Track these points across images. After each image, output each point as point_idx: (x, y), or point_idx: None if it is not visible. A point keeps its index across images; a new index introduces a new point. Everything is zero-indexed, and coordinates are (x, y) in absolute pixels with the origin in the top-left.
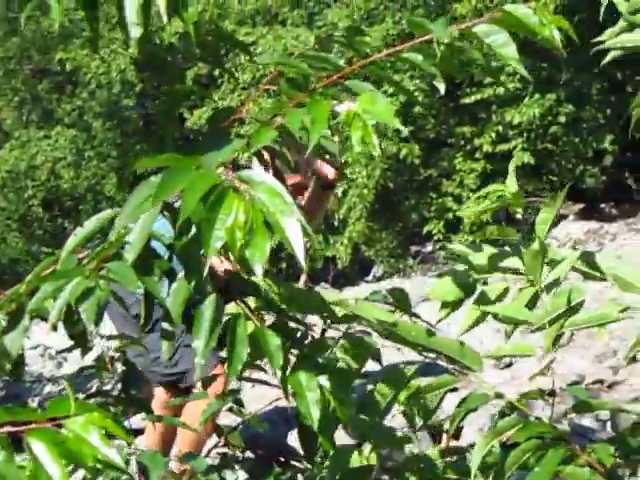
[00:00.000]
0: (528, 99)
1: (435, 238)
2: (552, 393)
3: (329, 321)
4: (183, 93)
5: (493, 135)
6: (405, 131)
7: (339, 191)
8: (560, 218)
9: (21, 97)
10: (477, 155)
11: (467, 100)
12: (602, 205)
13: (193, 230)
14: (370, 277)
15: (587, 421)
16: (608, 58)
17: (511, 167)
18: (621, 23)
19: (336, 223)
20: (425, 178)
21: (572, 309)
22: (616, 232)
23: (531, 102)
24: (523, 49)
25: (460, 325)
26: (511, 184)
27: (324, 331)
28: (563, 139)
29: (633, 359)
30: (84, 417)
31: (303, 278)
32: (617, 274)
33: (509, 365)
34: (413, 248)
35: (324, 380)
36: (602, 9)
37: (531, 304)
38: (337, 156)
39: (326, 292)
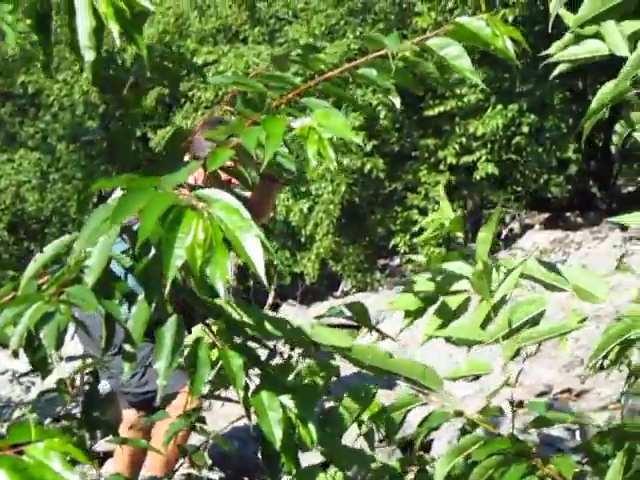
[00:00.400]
0: (491, 110)
1: (402, 251)
2: (519, 404)
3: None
4: (139, 117)
5: (457, 147)
6: (361, 143)
7: (305, 207)
8: (526, 228)
9: None
10: (441, 167)
11: (430, 112)
12: (568, 214)
13: (153, 251)
14: (338, 292)
15: (557, 430)
16: (557, 71)
17: (442, 192)
18: (568, 35)
19: (303, 239)
20: (390, 192)
21: (532, 320)
22: (581, 241)
23: (494, 113)
24: (484, 60)
25: (422, 336)
26: (446, 210)
27: (289, 356)
28: (527, 149)
29: (601, 367)
30: (45, 443)
31: (271, 295)
32: (577, 284)
33: (477, 377)
34: (380, 262)
35: (287, 399)
36: (550, 21)
37: (489, 319)
38: (294, 172)
39: (292, 309)
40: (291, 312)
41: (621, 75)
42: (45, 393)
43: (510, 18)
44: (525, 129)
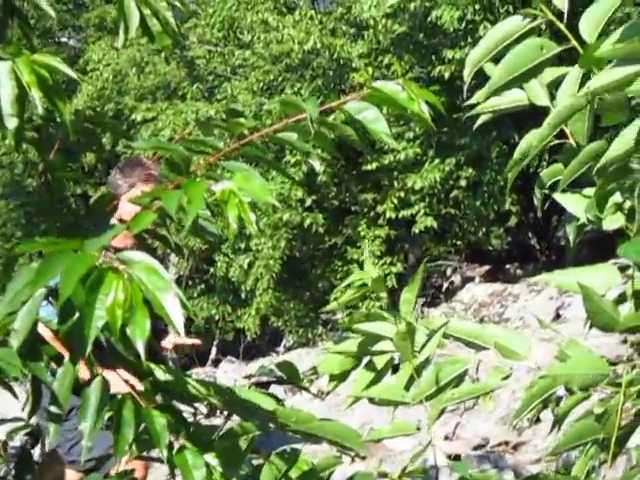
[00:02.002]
0: (428, 164)
1: (343, 306)
2: (457, 458)
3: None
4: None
5: (395, 201)
6: (277, 204)
7: (245, 263)
8: (467, 280)
9: None
10: (380, 221)
11: (369, 167)
12: (507, 266)
13: (77, 314)
14: (281, 347)
15: None
16: (480, 121)
17: (366, 252)
18: (489, 83)
19: (244, 295)
20: (330, 246)
21: (456, 380)
22: (518, 293)
23: (431, 167)
24: None
25: (348, 399)
26: (370, 270)
27: (211, 411)
28: (465, 202)
29: (537, 420)
30: None
31: (213, 351)
32: (499, 342)
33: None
34: (322, 317)
35: (211, 458)
36: (465, 87)
37: (412, 379)
38: (217, 235)
39: (231, 366)
40: (230, 368)
41: (545, 125)
42: None
43: (447, 74)
44: (463, 182)
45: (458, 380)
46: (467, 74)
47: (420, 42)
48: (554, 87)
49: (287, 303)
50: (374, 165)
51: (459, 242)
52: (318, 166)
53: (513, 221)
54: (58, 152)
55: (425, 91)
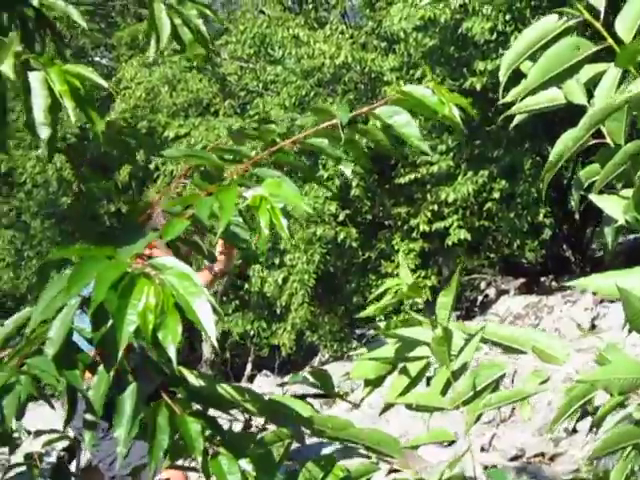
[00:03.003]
0: (461, 177)
1: (377, 319)
2: (493, 468)
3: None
4: (97, 192)
5: (429, 214)
6: (310, 210)
7: (280, 278)
8: (502, 293)
9: None
10: (414, 235)
11: (402, 180)
12: (542, 279)
13: (110, 321)
14: (315, 362)
15: None
16: (515, 121)
17: (401, 259)
18: (524, 84)
19: (278, 310)
20: (364, 260)
21: (493, 385)
22: (553, 305)
23: (464, 179)
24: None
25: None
26: (406, 277)
27: (247, 422)
28: (498, 215)
29: (573, 431)
30: None
31: (249, 367)
32: (537, 346)
33: (452, 443)
34: (357, 331)
35: (246, 464)
36: (500, 89)
37: (448, 384)
38: (248, 241)
39: (267, 380)
40: (265, 383)
41: (580, 126)
42: (12, 468)
43: (478, 86)
44: (496, 195)
45: (495, 385)
46: (503, 74)
47: (451, 55)
48: (592, 84)
49: (321, 318)
50: (407, 178)
51: (493, 255)
52: (350, 172)
53: (547, 234)
54: (90, 167)
55: (455, 95)
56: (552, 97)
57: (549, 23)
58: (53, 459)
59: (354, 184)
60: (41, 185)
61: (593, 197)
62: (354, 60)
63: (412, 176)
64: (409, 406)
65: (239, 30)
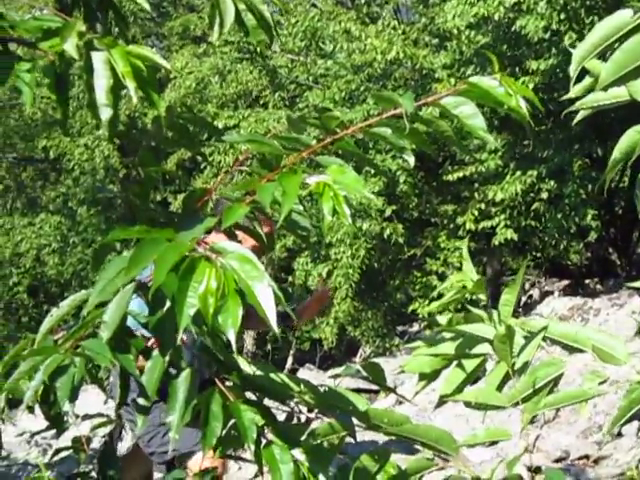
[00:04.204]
0: (510, 176)
1: (420, 317)
2: (537, 470)
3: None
4: (155, 175)
5: (476, 213)
6: (375, 200)
7: (324, 271)
8: (545, 294)
9: (5, 185)
10: (460, 233)
11: (450, 178)
12: (587, 281)
13: (167, 305)
14: (357, 358)
15: None
16: (579, 117)
17: (465, 252)
18: (588, 79)
19: None
20: (409, 257)
21: (551, 383)
22: (599, 307)
23: (513, 179)
24: (505, 126)
25: (439, 396)
26: (470, 272)
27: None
28: (546, 215)
29: (618, 434)
30: None
31: (290, 360)
32: (596, 345)
33: (494, 443)
34: (399, 328)
35: (299, 454)
36: (572, 83)
37: (504, 382)
38: (309, 230)
39: (310, 374)
40: (309, 377)
41: None
42: (60, 451)
43: (530, 86)
44: (544, 195)
45: (554, 384)
46: (573, 69)
47: (504, 53)
48: None
49: (364, 313)
50: (455, 176)
51: (538, 255)
52: (412, 162)
53: (593, 236)
54: (147, 150)
55: (523, 87)
56: (616, 94)
57: (623, 17)
58: (94, 445)
59: (401, 180)
60: (88, 172)
61: None
62: (405, 56)
63: (460, 174)
64: (467, 404)
65: (290, 23)
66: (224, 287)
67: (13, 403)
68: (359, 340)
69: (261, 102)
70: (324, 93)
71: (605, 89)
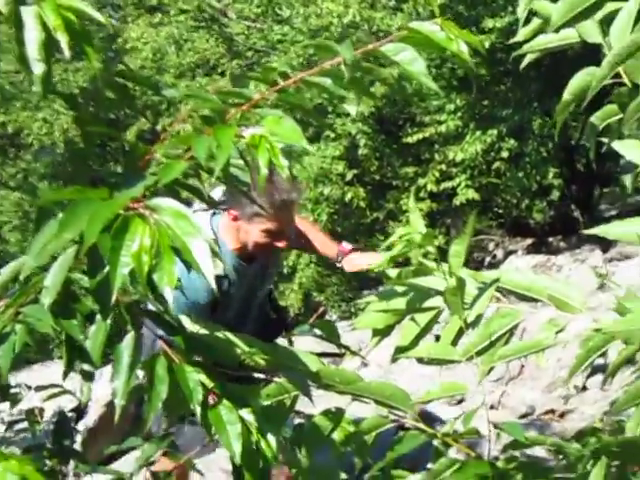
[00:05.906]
0: (470, 136)
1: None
2: (497, 427)
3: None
4: (95, 136)
5: (437, 174)
6: (311, 149)
7: None
8: (509, 254)
9: None
10: (422, 195)
11: (410, 140)
12: (550, 239)
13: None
14: None
15: (540, 452)
16: (526, 61)
17: (412, 203)
18: (536, 22)
19: (285, 271)
20: (372, 220)
21: (505, 335)
22: (562, 264)
23: (473, 139)
24: (463, 86)
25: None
26: (417, 224)
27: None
28: (507, 174)
29: (583, 388)
30: (2, 465)
31: None
32: (552, 294)
33: (460, 401)
34: (365, 292)
35: (247, 414)
36: (520, 24)
37: (458, 336)
38: (248, 184)
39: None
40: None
41: (603, 65)
42: (14, 423)
43: (487, 44)
44: (505, 154)
45: (509, 335)
46: (521, 11)
47: (460, 13)
48: (606, 24)
49: (329, 278)
50: (415, 138)
51: (501, 212)
52: (354, 111)
53: (555, 194)
54: (83, 108)
55: (465, 32)
56: (564, 36)
57: None
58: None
59: (362, 143)
60: (48, 147)
61: (615, 144)
62: (362, 19)
63: (420, 136)
64: (420, 360)
65: None
66: (158, 244)
67: None
68: (324, 305)
69: (219, 70)
70: (281, 59)
71: (557, 30)
